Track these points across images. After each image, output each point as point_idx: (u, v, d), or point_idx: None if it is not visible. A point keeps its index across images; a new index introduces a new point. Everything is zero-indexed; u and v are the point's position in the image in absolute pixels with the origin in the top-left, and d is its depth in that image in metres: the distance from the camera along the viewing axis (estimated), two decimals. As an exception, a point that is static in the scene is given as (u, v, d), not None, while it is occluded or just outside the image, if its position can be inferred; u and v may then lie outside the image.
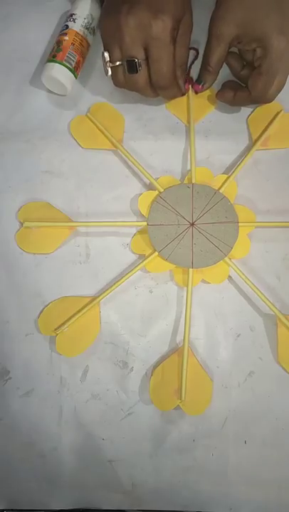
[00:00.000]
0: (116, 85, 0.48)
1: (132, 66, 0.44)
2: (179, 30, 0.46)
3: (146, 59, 0.44)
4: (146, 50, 0.44)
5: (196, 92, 0.51)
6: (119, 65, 0.45)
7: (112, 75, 0.47)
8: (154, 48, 0.43)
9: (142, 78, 0.45)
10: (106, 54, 0.45)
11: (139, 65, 0.44)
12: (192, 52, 0.51)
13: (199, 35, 0.50)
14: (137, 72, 0.45)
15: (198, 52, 0.51)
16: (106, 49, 0.45)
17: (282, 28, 0.44)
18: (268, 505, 0.44)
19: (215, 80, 0.50)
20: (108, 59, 0.45)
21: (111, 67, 0.46)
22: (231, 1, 0.45)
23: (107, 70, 0.46)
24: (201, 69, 0.50)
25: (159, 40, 0.43)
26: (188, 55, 0.50)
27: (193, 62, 0.52)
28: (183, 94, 0.50)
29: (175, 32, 0.44)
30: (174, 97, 0.49)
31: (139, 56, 0.44)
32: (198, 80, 0.50)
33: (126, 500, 0.45)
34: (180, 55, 0.47)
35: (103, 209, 0.49)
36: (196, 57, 0.52)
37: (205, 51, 0.48)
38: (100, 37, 0.46)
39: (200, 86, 0.50)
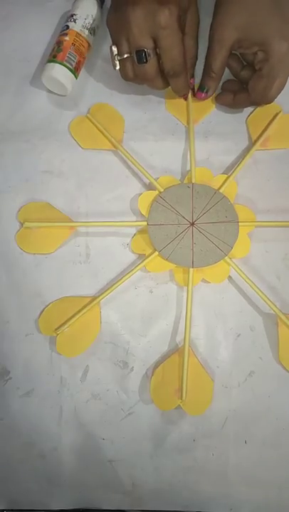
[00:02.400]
0: (124, 79, 0.48)
1: (140, 56, 0.45)
2: (187, 21, 0.46)
3: (155, 49, 0.45)
4: (155, 41, 0.44)
5: (200, 100, 0.51)
6: (127, 57, 0.46)
7: (120, 68, 0.47)
8: (164, 36, 0.44)
9: (151, 68, 0.46)
10: (114, 48, 0.46)
11: (148, 55, 0.45)
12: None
13: (199, 41, 0.50)
14: (146, 62, 0.45)
15: (196, 58, 0.51)
16: (114, 43, 0.46)
17: (283, 33, 0.45)
18: (268, 506, 0.44)
19: (218, 85, 0.50)
20: (116, 52, 0.46)
21: (119, 61, 0.46)
22: (231, 6, 0.45)
23: (116, 64, 0.47)
24: (203, 76, 0.50)
25: (168, 28, 0.43)
26: (198, 49, 0.50)
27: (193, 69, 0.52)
28: (190, 88, 0.51)
29: (182, 21, 0.45)
30: (184, 87, 0.49)
31: (148, 46, 0.44)
32: (202, 87, 0.50)
33: (126, 500, 0.45)
34: (189, 47, 0.48)
35: (103, 209, 0.49)
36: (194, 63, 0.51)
37: (207, 57, 0.48)
38: (109, 32, 0.47)
39: (203, 93, 0.50)
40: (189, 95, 0.52)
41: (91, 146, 0.51)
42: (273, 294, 0.47)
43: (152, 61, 0.45)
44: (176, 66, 0.46)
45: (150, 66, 0.45)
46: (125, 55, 0.45)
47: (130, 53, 0.45)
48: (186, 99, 0.52)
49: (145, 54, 0.44)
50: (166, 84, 0.48)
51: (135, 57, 0.45)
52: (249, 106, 0.52)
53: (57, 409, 0.45)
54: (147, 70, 0.46)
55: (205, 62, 0.49)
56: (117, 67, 0.47)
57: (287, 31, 0.45)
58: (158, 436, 0.45)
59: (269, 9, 0.45)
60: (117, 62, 0.46)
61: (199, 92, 0.50)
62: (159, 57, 0.46)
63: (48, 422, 0.45)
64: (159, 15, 0.43)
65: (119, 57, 0.46)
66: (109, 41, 0.46)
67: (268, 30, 0.45)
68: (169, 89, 0.52)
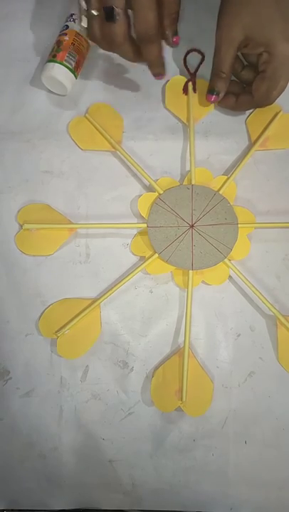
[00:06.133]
0: (91, 39, 0.44)
1: (109, 13, 0.41)
2: None
3: (126, 11, 0.41)
4: (127, 1, 0.41)
5: (212, 102, 0.50)
6: (96, 15, 0.42)
7: (87, 26, 0.43)
8: None
9: (119, 29, 0.42)
10: (83, 2, 0.42)
11: (118, 14, 0.41)
12: (198, 56, 0.50)
13: (202, 39, 0.50)
14: (114, 21, 0.41)
15: (203, 55, 0.50)
16: None
17: (287, 35, 0.44)
18: (268, 505, 0.45)
19: (228, 85, 0.49)
20: (85, 7, 0.42)
21: (87, 18, 0.43)
22: (237, 6, 0.45)
23: (82, 19, 0.43)
24: (212, 77, 0.49)
25: None
26: (180, 4, 0.45)
27: (199, 65, 0.51)
28: (172, 46, 0.46)
29: None
30: (157, 58, 0.45)
31: (119, 5, 0.41)
32: (212, 90, 0.49)
33: (126, 500, 0.45)
34: (169, 2, 0.43)
35: (103, 210, 0.49)
36: (202, 60, 0.50)
37: (215, 58, 0.47)
38: None
39: (213, 96, 0.49)
40: (190, 92, 0.51)
41: (90, 147, 0.51)
42: (273, 296, 0.47)
43: (121, 22, 0.41)
44: (149, 30, 0.42)
45: (118, 27, 0.41)
46: (94, 12, 0.41)
47: (100, 11, 0.41)
48: (161, 78, 0.48)
49: (114, 12, 0.40)
50: (137, 54, 0.45)
51: (103, 14, 0.41)
52: (251, 108, 0.52)
53: (57, 409, 0.45)
54: (115, 31, 0.42)
55: (213, 63, 0.48)
56: (83, 24, 0.43)
57: None
58: (158, 436, 0.45)
59: (272, 9, 0.45)
60: (84, 19, 0.43)
61: (209, 94, 0.49)
62: (130, 22, 0.42)
63: (48, 422, 0.45)
64: None
65: (87, 14, 0.42)
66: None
67: (273, 31, 0.45)
68: (169, 85, 0.52)
